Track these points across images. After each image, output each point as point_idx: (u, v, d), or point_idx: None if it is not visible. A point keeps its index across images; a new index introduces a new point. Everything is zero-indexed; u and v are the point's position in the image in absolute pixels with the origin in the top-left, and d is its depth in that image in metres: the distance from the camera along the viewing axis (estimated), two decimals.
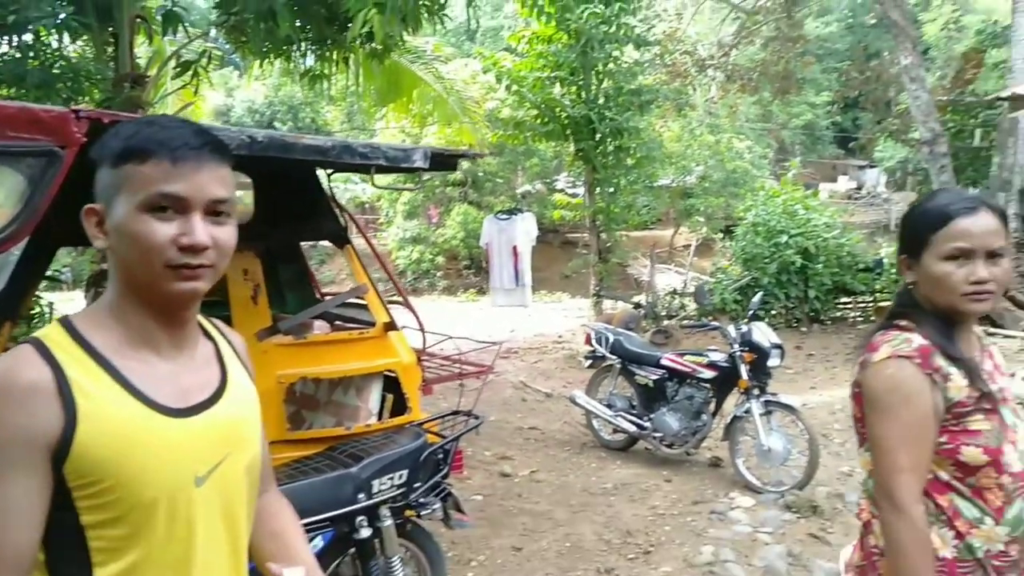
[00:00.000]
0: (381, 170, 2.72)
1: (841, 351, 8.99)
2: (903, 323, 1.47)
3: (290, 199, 2.96)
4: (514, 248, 8.98)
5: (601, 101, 8.63)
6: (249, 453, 1.13)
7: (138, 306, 1.03)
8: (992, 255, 1.40)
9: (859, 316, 10.65)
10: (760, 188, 10.98)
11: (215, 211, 1.01)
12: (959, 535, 1.40)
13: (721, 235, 15.82)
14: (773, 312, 10.00)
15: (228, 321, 2.63)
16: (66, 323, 1.03)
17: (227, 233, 1.03)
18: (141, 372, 1.01)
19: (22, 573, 0.94)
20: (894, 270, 10.52)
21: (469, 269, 17.96)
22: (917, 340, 1.41)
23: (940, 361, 1.39)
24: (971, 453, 1.39)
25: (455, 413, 2.99)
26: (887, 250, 11.92)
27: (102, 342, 1.01)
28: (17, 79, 4.47)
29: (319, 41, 5.76)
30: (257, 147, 2.15)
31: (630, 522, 4.30)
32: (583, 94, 8.57)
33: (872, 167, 24.96)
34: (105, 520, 0.97)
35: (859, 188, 26.05)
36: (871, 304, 10.54)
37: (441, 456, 2.77)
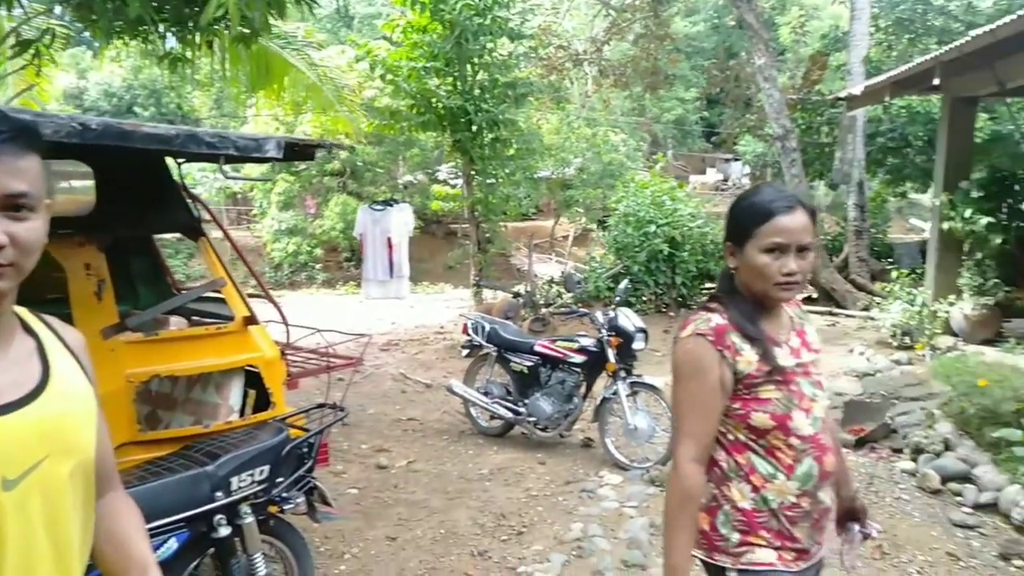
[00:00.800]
0: (231, 160, 2.63)
1: None
2: (713, 305, 1.64)
3: (138, 190, 2.82)
4: (388, 240, 8.87)
5: (477, 93, 8.68)
6: (78, 455, 1.07)
7: None
8: (801, 249, 1.57)
9: None
10: (630, 180, 11.43)
11: (13, 206, 0.96)
12: (755, 488, 1.59)
13: (598, 225, 16.37)
14: (644, 298, 10.48)
15: (70, 320, 2.49)
16: None
17: (29, 229, 0.98)
18: None
19: None
20: None
21: (350, 261, 17.59)
22: (716, 320, 1.58)
23: (734, 339, 1.56)
24: (759, 418, 1.58)
25: (320, 406, 2.96)
26: None
27: None
28: None
29: (178, 22, 5.45)
30: (91, 136, 2.03)
31: (504, 505, 4.42)
32: (459, 85, 8.59)
33: (737, 160, 26.56)
34: None
35: (726, 180, 27.63)
36: None
37: (305, 450, 2.74)
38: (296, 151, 2.88)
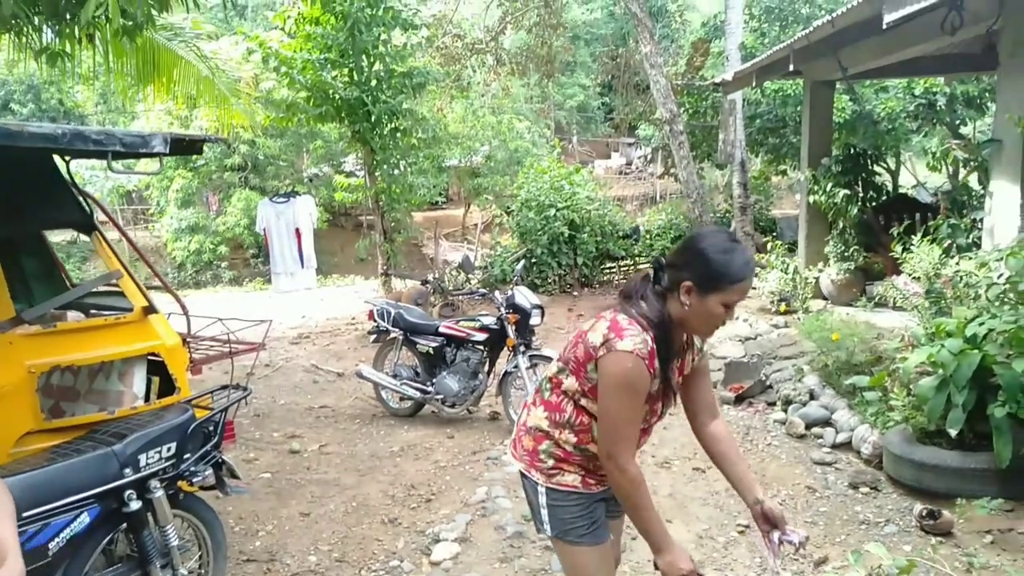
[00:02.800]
0: (118, 156, 2.74)
1: (606, 308, 10.06)
2: (642, 316, 1.89)
3: (26, 188, 2.88)
4: (296, 230, 8.87)
5: (373, 83, 8.76)
6: None
7: None
8: None
9: (623, 279, 11.93)
10: (529, 167, 11.79)
11: None
12: (580, 442, 2.01)
13: (506, 212, 16.70)
14: (549, 280, 10.88)
15: None
16: None
17: None
18: None
19: None
20: (649, 237, 11.89)
21: (256, 258, 17.22)
22: (649, 342, 1.85)
23: (656, 363, 1.87)
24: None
25: (224, 387, 3.11)
26: (642, 219, 13.39)
27: None
28: None
29: (55, 15, 5.31)
30: None
31: (414, 477, 4.66)
32: (355, 76, 8.63)
33: (639, 144, 27.46)
34: None
35: (629, 163, 28.51)
36: (631, 267, 11.85)
37: (211, 428, 2.90)
38: (184, 145, 3.00)
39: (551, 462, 2.04)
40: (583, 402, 1.97)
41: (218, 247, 16.58)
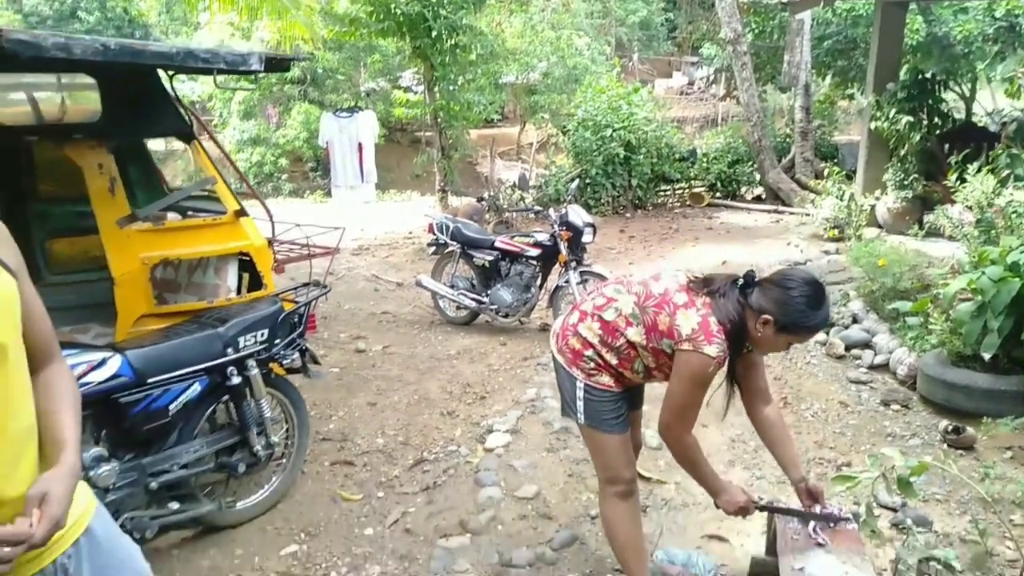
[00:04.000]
0: (221, 73, 3.03)
1: (658, 232, 10.18)
2: (728, 321, 2.16)
3: (135, 101, 3.20)
4: (359, 145, 9.14)
5: None
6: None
7: None
8: None
9: (677, 202, 11.95)
10: (587, 86, 11.69)
11: None
12: (618, 379, 2.39)
13: (562, 131, 16.59)
14: (602, 201, 10.99)
15: (89, 216, 2.96)
16: None
17: None
18: None
19: None
20: (705, 160, 11.80)
21: (315, 171, 17.64)
22: (725, 349, 2.14)
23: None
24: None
25: (305, 284, 3.48)
26: (700, 142, 13.21)
27: None
28: None
29: None
30: (111, 54, 2.43)
31: (469, 377, 5.06)
32: None
33: (703, 63, 26.54)
34: None
35: (691, 83, 27.65)
36: (687, 190, 11.84)
37: (296, 319, 3.29)
38: (273, 64, 3.27)
39: (591, 365, 2.36)
40: (639, 346, 2.29)
41: (278, 159, 17.03)
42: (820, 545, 2.31)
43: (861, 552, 2.30)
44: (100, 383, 2.48)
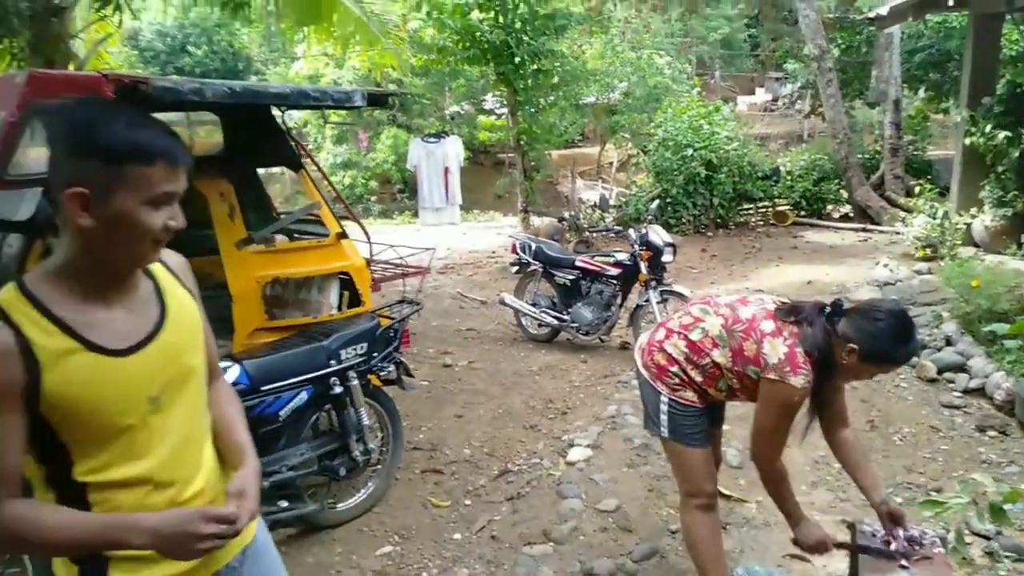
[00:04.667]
0: (329, 108, 3.32)
1: (740, 251, 10.07)
2: (815, 350, 2.19)
3: (252, 134, 3.55)
4: (445, 168, 9.49)
5: (518, 26, 9.08)
6: (193, 359, 1.37)
7: (99, 269, 1.24)
8: None
9: (760, 220, 11.77)
10: (667, 106, 11.72)
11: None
12: (702, 397, 2.48)
13: (642, 151, 16.60)
14: (683, 220, 10.96)
15: (210, 239, 3.29)
16: (21, 285, 1.20)
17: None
18: (87, 323, 1.22)
19: (16, 488, 1.19)
20: (789, 178, 11.60)
21: (403, 193, 18.28)
22: (811, 380, 2.18)
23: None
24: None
25: (400, 301, 3.73)
26: (785, 159, 12.97)
27: (55, 299, 1.20)
28: None
29: None
30: (237, 97, 2.75)
31: (551, 393, 5.21)
32: (500, 19, 8.99)
33: (787, 79, 26.00)
34: (79, 438, 1.23)
35: (775, 100, 27.09)
36: (770, 208, 11.65)
37: (392, 334, 3.53)
38: (374, 99, 3.55)
39: (676, 380, 2.46)
40: (725, 374, 2.38)
41: (368, 182, 17.76)
42: (904, 568, 2.31)
43: None
44: None
